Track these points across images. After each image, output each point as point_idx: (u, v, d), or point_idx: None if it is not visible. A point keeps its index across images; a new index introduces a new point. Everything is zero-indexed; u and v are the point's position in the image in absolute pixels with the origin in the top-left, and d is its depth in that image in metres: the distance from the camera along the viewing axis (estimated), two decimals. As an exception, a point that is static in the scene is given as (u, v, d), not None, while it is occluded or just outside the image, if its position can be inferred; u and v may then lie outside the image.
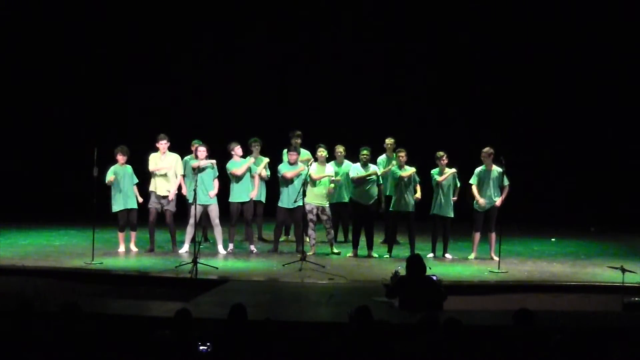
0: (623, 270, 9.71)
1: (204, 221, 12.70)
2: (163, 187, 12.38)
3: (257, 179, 12.67)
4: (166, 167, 12.31)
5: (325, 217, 12.57)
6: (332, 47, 17.14)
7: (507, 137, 15.54)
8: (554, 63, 16.87)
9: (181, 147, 12.87)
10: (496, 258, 11.84)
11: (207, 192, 12.24)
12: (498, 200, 12.18)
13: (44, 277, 10.62)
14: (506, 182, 12.16)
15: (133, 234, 12.56)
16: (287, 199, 12.40)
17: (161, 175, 12.35)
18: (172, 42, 17.15)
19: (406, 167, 12.45)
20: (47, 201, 16.54)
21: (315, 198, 12.51)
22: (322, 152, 12.62)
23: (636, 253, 12.97)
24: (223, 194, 12.66)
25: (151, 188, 12.43)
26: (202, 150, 12.29)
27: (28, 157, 17.10)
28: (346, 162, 13.02)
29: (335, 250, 12.65)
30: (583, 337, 6.25)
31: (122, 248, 12.47)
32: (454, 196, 12.48)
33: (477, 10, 16.85)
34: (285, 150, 12.90)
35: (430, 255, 12.33)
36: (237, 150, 12.60)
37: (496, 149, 12.25)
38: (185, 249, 12.34)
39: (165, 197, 12.36)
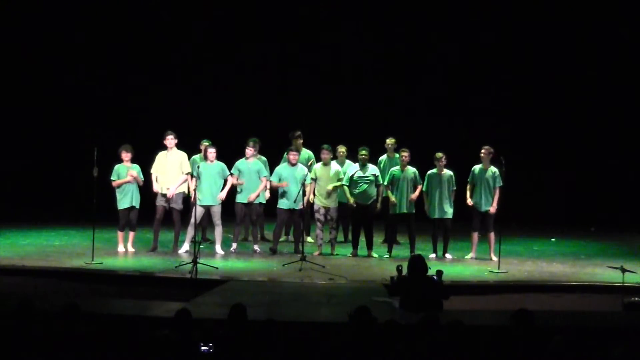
0: (623, 270, 9.71)
1: (204, 221, 12.70)
2: (164, 185, 12.37)
3: (264, 181, 12.65)
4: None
5: (329, 217, 12.58)
6: (332, 47, 17.13)
7: (507, 137, 15.53)
8: (555, 62, 16.87)
9: (186, 147, 12.91)
10: (495, 258, 11.85)
11: (212, 193, 12.20)
12: (492, 207, 12.16)
13: (44, 277, 10.62)
14: (498, 183, 12.11)
15: (131, 234, 12.54)
16: (286, 200, 12.41)
17: (165, 174, 12.34)
18: (172, 42, 17.16)
19: (409, 167, 12.46)
20: (47, 201, 16.54)
21: (322, 198, 12.53)
22: (326, 153, 12.62)
23: (636, 253, 12.98)
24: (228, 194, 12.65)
25: (156, 189, 12.42)
26: (211, 152, 12.31)
27: (28, 157, 17.10)
28: (347, 162, 13.02)
29: (335, 252, 12.64)
30: (583, 337, 6.25)
31: (121, 248, 12.47)
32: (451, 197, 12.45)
33: (477, 9, 16.84)
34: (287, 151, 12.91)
35: (432, 255, 12.32)
36: (248, 150, 12.60)
37: (496, 149, 12.25)
38: (185, 248, 12.35)
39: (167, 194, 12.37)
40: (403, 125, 15.24)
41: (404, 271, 8.89)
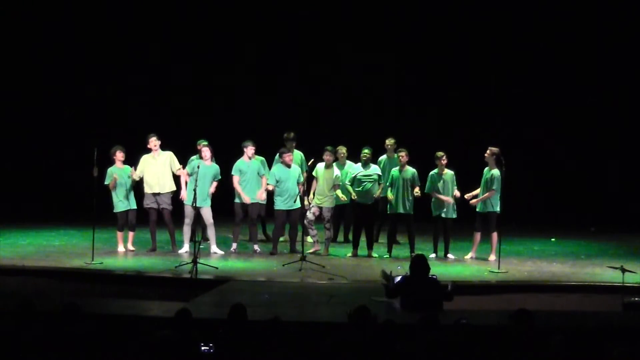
0: (623, 270, 9.70)
1: (202, 221, 12.68)
2: (157, 185, 12.35)
3: (264, 180, 12.64)
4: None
5: (322, 217, 12.58)
6: (332, 48, 17.13)
7: (507, 137, 15.52)
8: (555, 62, 16.86)
9: (184, 147, 12.89)
10: (492, 259, 11.85)
11: (203, 193, 12.13)
12: (474, 199, 12.12)
13: (44, 277, 10.62)
14: (495, 185, 12.03)
15: (131, 234, 12.55)
16: (283, 201, 12.37)
17: (156, 176, 12.33)
18: (173, 41, 17.15)
19: (408, 167, 12.46)
20: (47, 201, 16.54)
21: (318, 198, 12.55)
22: (328, 154, 12.62)
23: (636, 253, 12.98)
24: (223, 194, 12.63)
25: (146, 190, 12.43)
26: (206, 151, 12.28)
27: (28, 157, 17.09)
28: (348, 163, 13.01)
29: (327, 253, 12.58)
30: (583, 337, 6.25)
31: (121, 248, 12.47)
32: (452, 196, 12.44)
33: (475, 10, 16.84)
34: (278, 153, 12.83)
35: (433, 255, 12.31)
36: (248, 150, 12.57)
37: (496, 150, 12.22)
38: (185, 249, 12.35)
39: (161, 194, 12.34)
40: (403, 125, 15.23)
41: (403, 272, 8.90)
